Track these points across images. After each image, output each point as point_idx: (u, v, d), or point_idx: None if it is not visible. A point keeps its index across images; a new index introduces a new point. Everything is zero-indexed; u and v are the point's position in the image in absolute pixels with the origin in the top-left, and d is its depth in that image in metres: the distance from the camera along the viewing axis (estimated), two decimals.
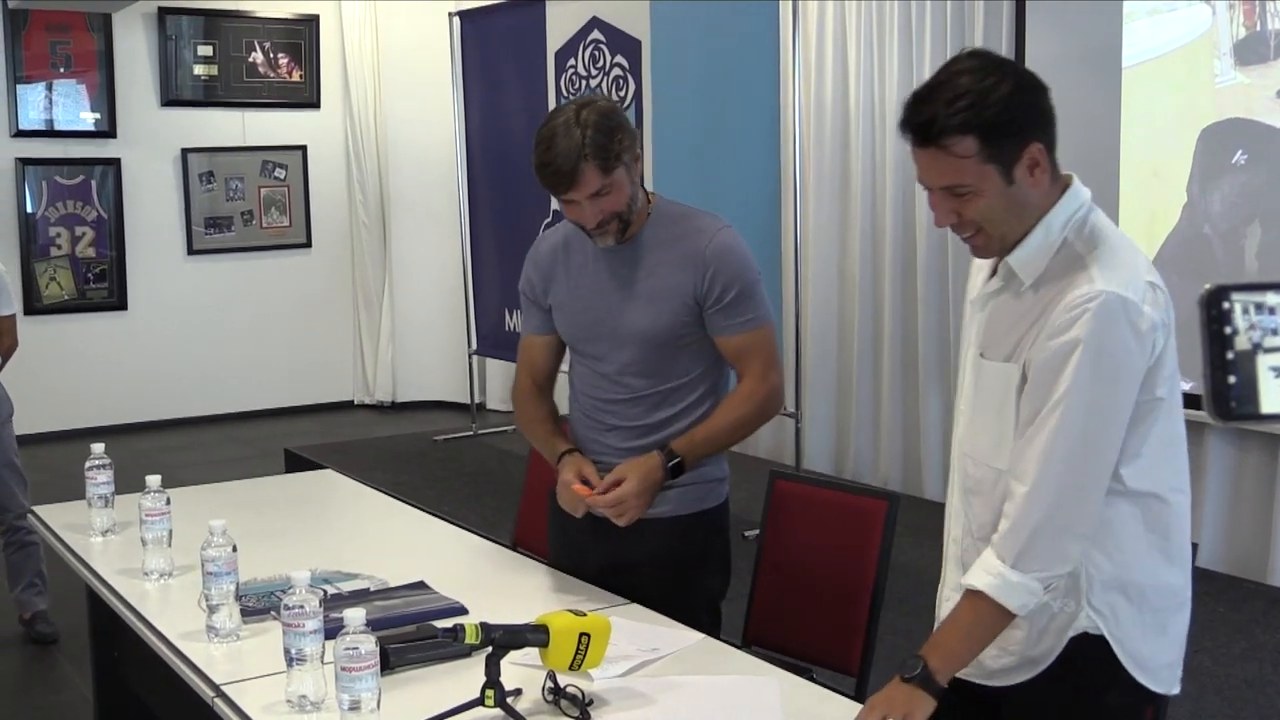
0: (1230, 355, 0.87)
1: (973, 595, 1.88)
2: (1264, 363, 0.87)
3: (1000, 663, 2.01)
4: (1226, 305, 0.87)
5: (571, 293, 2.72)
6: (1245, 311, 0.88)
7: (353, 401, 9.55)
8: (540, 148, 2.50)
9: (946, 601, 2.09)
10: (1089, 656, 1.90)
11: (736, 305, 2.59)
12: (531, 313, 2.83)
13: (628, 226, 2.60)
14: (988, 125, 1.86)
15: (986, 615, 1.88)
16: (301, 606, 2.06)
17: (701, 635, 2.43)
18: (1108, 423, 1.84)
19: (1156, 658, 1.96)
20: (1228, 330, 0.87)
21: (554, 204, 6.61)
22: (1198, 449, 4.90)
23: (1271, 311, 0.87)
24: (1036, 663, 1.98)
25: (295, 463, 6.84)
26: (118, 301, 8.69)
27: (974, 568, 1.90)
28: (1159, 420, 1.90)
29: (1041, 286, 1.91)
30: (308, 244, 9.32)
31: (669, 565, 2.68)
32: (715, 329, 2.61)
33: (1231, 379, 0.87)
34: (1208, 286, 0.88)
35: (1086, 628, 1.92)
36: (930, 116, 1.89)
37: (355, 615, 1.92)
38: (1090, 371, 1.81)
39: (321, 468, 5.48)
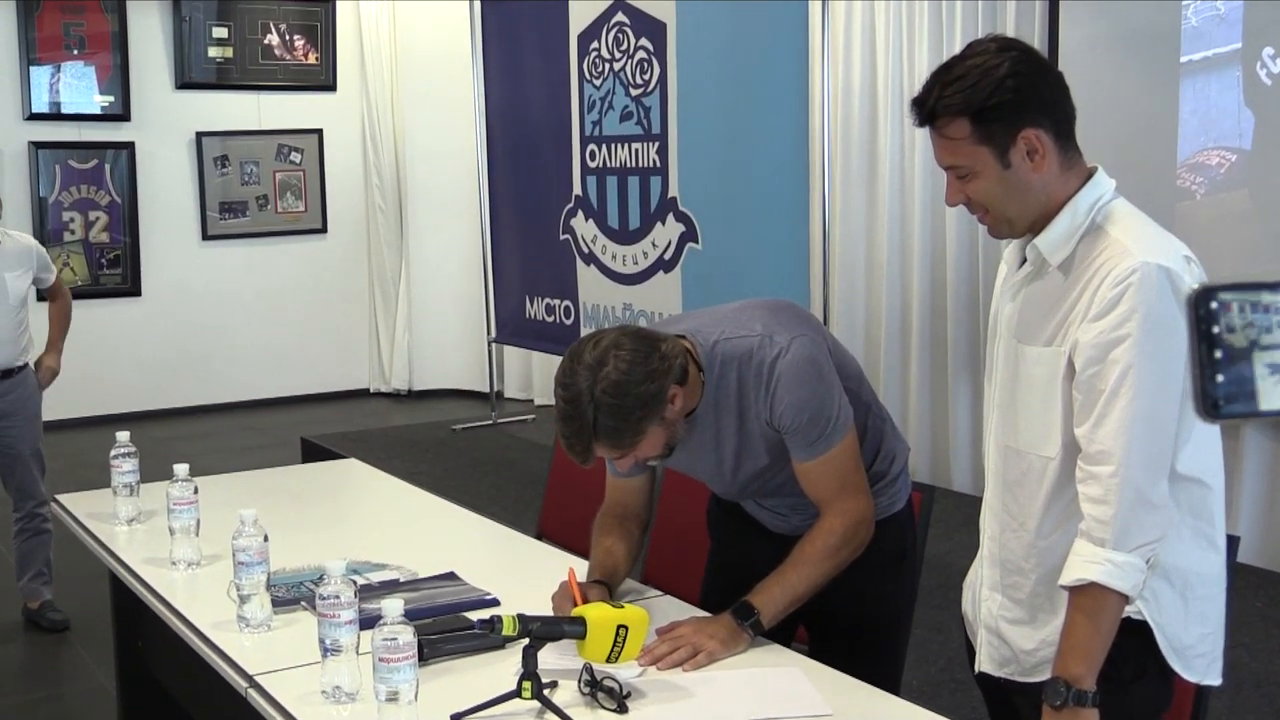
0: (1218, 354, 0.88)
1: (1086, 590, 1.86)
2: (1260, 360, 0.89)
3: (1041, 654, 2.02)
4: (1214, 305, 0.89)
5: (670, 460, 2.54)
6: (1242, 310, 0.89)
7: (369, 389, 9.59)
8: (557, 409, 2.32)
9: (985, 601, 2.11)
10: (1125, 643, 1.91)
11: (802, 433, 2.41)
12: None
13: (672, 450, 2.42)
14: (978, 109, 1.91)
15: (1107, 604, 1.86)
16: (337, 597, 2.09)
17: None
18: (1172, 392, 1.85)
19: (1195, 646, 1.98)
20: (1215, 330, 0.89)
21: (576, 188, 6.65)
22: (1235, 441, 4.90)
23: (1266, 310, 0.89)
24: None
25: (312, 451, 6.88)
26: (131, 287, 8.75)
27: (1072, 563, 1.88)
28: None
29: (1073, 268, 1.94)
30: (323, 229, 9.36)
31: (886, 564, 2.57)
32: (795, 457, 2.45)
33: (1219, 378, 0.88)
34: (1195, 286, 0.91)
35: (1129, 612, 1.92)
36: (926, 97, 1.96)
37: (393, 606, 1.95)
38: (1148, 343, 1.83)
39: (338, 456, 5.52)
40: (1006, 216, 1.99)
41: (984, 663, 2.13)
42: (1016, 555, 2.05)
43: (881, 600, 2.61)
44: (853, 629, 2.56)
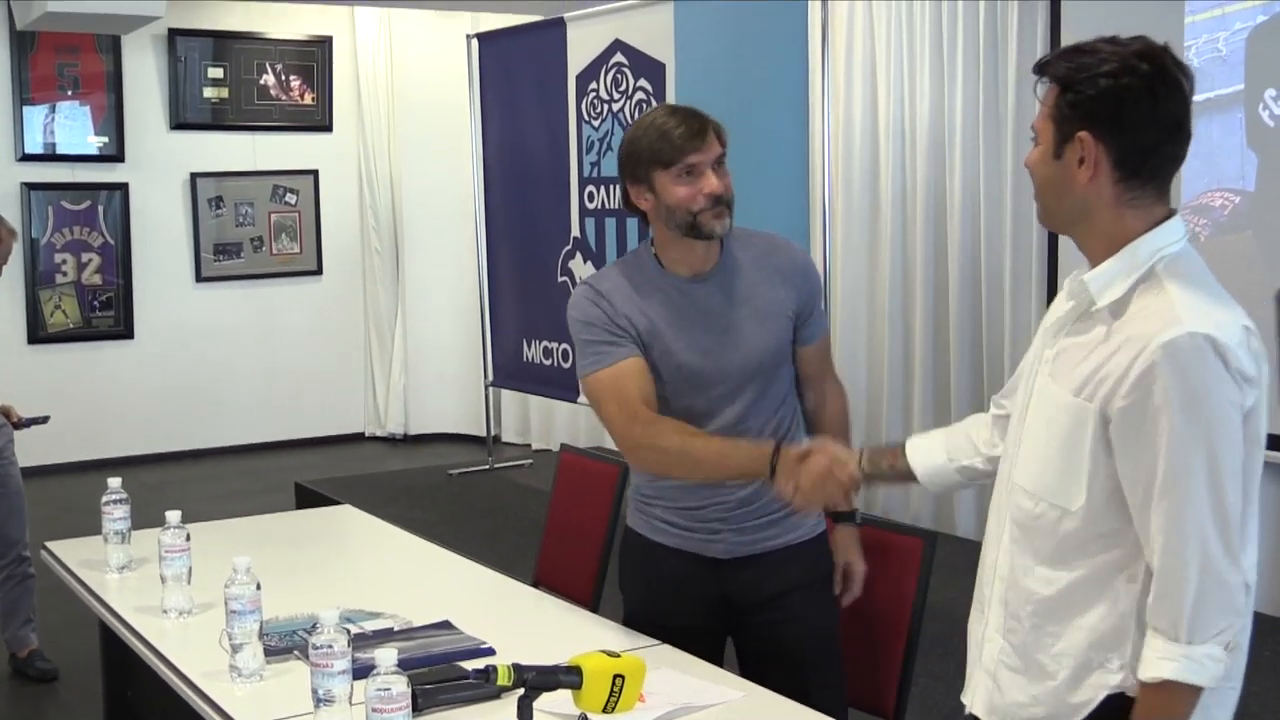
0: None
1: (1159, 686, 1.84)
2: None
3: (1031, 711, 1.99)
4: None
5: (668, 327, 2.64)
6: None
7: (364, 434, 9.59)
8: (660, 116, 2.62)
9: (989, 643, 2.07)
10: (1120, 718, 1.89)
11: (819, 311, 2.77)
12: (616, 342, 2.62)
13: (731, 214, 2.65)
14: (1064, 85, 1.88)
15: (1184, 697, 1.84)
16: (330, 646, 2.10)
17: (741, 691, 2.43)
18: (1227, 469, 1.80)
19: None
20: None
21: (574, 230, 6.67)
22: None
23: None
24: (1067, 716, 1.96)
25: (306, 497, 6.88)
26: (124, 330, 8.76)
27: (1147, 658, 1.85)
28: (1251, 503, 1.87)
29: (1121, 315, 1.88)
30: (318, 271, 9.38)
31: (822, 585, 2.77)
32: (804, 338, 2.73)
33: None
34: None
35: (1127, 689, 1.90)
36: (1050, 54, 1.95)
37: (387, 655, 1.96)
38: (1192, 427, 1.78)
39: (332, 502, 5.52)
40: (1041, 200, 1.98)
41: (976, 705, 2.09)
42: (1018, 601, 2.01)
43: (822, 622, 2.74)
44: (793, 658, 2.67)
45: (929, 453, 2.35)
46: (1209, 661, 1.82)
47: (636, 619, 2.79)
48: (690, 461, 2.52)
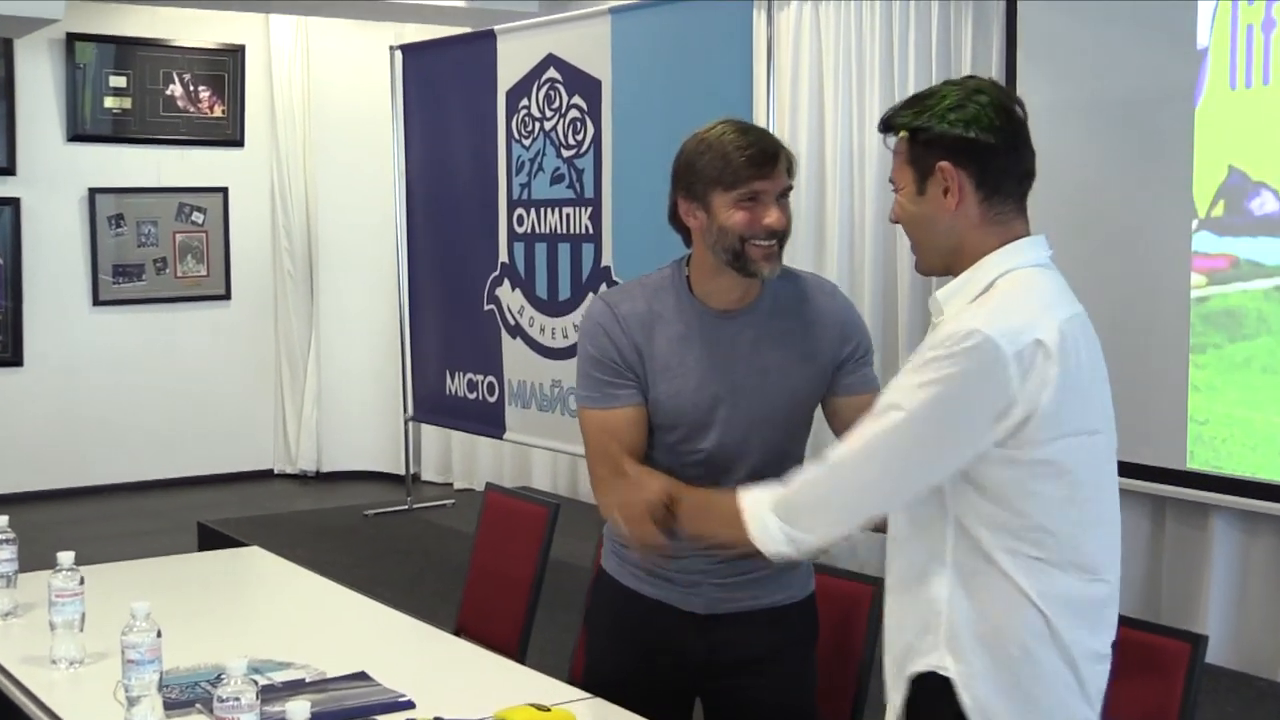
0: None
1: (741, 499, 2.14)
2: None
3: (893, 697, 2.13)
4: None
5: (682, 364, 2.57)
6: None
7: (273, 470, 9.51)
8: (730, 133, 2.52)
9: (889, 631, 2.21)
10: (933, 702, 2.02)
11: (868, 360, 2.70)
12: (618, 384, 2.58)
13: (781, 255, 2.57)
14: (914, 128, 2.06)
15: (735, 521, 2.13)
16: (237, 699, 2.08)
17: None
18: (927, 447, 1.99)
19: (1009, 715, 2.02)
20: None
21: (502, 255, 6.67)
22: (1202, 534, 4.97)
23: None
24: (900, 695, 2.10)
25: (209, 538, 6.81)
26: (12, 357, 8.62)
27: (763, 490, 2.14)
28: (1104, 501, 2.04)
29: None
30: (226, 295, 9.31)
31: (805, 649, 2.76)
32: (851, 387, 2.66)
33: None
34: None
35: (939, 668, 2.03)
36: (891, 110, 2.13)
37: (298, 709, 1.94)
38: (930, 393, 1.95)
39: (239, 543, 5.46)
40: (914, 239, 2.13)
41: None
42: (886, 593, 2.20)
43: (801, 690, 2.72)
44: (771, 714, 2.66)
45: None
46: (771, 537, 2.10)
47: (600, 669, 2.74)
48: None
